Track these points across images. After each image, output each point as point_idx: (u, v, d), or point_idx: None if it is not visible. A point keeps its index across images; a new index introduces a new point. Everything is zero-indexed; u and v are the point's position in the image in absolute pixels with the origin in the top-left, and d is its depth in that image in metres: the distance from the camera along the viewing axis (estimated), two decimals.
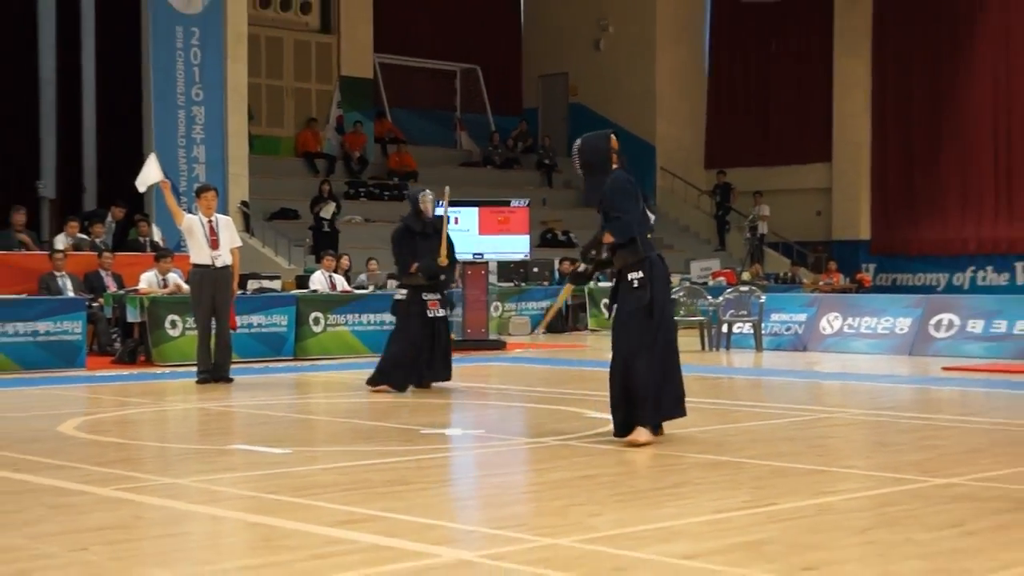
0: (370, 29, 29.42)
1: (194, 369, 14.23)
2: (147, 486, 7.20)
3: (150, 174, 13.73)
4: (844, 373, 15.43)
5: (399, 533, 5.74)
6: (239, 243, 14.85)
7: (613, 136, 9.22)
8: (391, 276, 22.23)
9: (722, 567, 5.00)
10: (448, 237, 13.83)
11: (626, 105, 30.47)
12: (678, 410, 9.03)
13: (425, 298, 13.31)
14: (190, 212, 14.32)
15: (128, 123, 21.84)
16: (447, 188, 15.29)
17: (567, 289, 11.38)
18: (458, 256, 19.23)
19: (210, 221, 14.00)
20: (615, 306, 9.06)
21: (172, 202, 14.23)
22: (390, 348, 13.67)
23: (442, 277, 13.74)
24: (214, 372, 14.18)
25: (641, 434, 8.67)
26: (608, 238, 8.85)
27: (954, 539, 5.60)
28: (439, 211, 14.31)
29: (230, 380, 14.29)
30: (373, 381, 13.33)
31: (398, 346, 13.46)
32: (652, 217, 9.93)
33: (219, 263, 13.94)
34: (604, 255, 9.18)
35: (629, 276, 8.73)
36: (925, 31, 27.35)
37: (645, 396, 8.75)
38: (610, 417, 10.27)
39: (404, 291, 13.65)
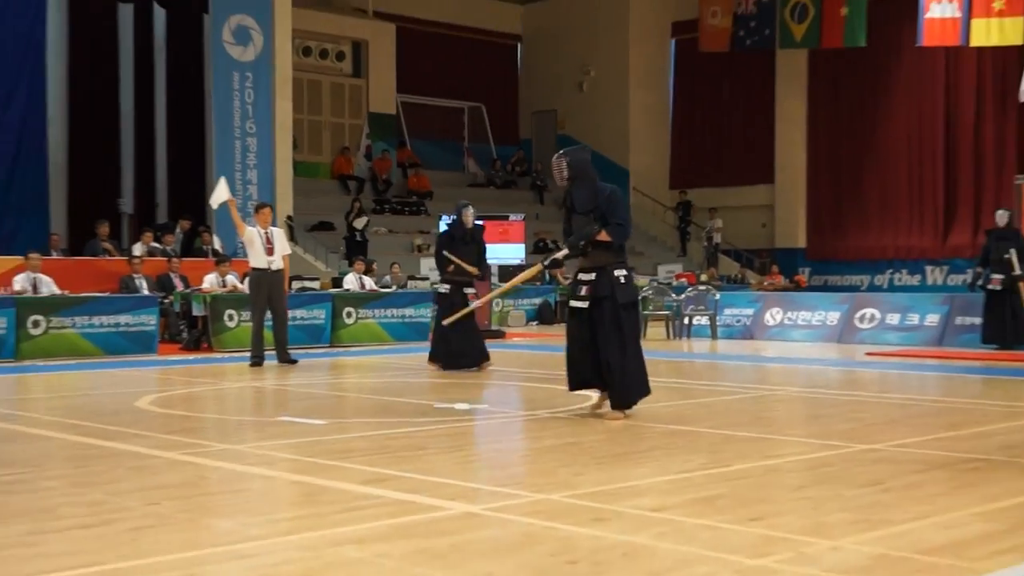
0: (393, 74, 29.44)
1: (248, 354, 14.19)
2: (209, 451, 7.24)
3: (221, 194, 13.80)
4: (784, 357, 15.51)
5: (417, 490, 5.78)
6: (288, 251, 14.84)
7: (586, 150, 9.20)
8: (411, 277, 22.40)
9: (683, 518, 5.07)
10: (481, 244, 13.81)
11: (605, 137, 30.32)
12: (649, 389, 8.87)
13: (465, 291, 13.14)
14: (249, 225, 14.30)
15: (193, 151, 21.81)
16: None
17: (536, 268, 11.21)
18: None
19: (266, 232, 14.00)
20: (586, 295, 8.58)
21: (236, 217, 14.28)
22: (437, 332, 13.75)
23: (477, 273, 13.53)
24: (278, 355, 14.27)
25: (627, 410, 8.64)
26: (604, 237, 8.56)
27: (875, 495, 5.67)
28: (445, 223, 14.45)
29: (295, 361, 14.33)
30: (433, 359, 13.49)
31: (443, 331, 13.33)
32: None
33: (274, 267, 13.97)
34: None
35: (615, 272, 8.51)
36: (850, 77, 27.31)
37: (637, 377, 8.68)
38: (589, 393, 10.37)
39: (447, 286, 13.62)
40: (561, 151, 9.09)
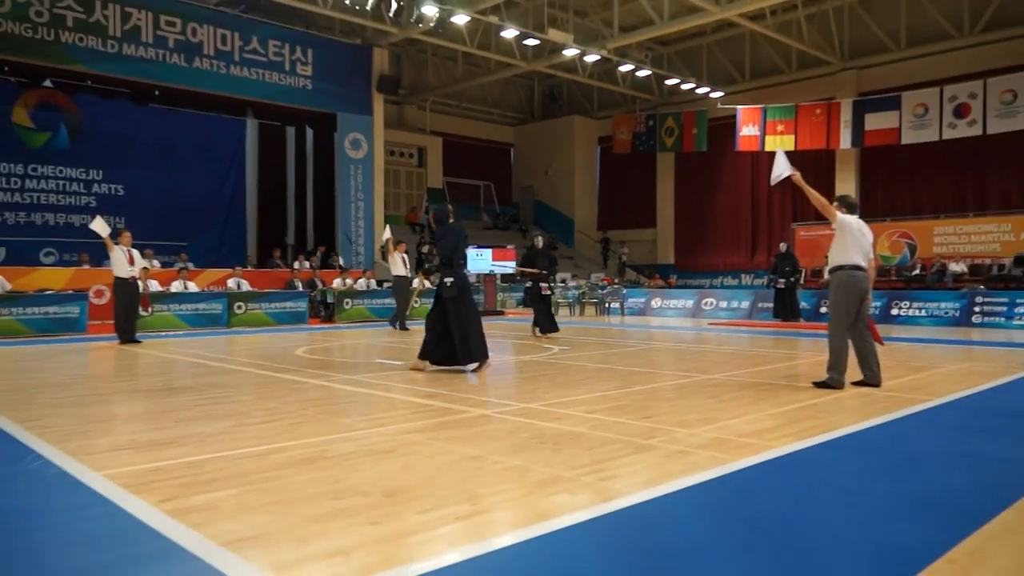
0: (440, 165, 29.31)
1: (358, 324, 14.00)
2: (335, 379, 7.21)
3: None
4: (662, 326, 15.52)
5: (452, 402, 5.80)
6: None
7: (450, 207, 8.37)
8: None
9: (604, 417, 5.11)
10: (548, 256, 12.77)
11: (560, 200, 30.32)
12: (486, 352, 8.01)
13: (540, 284, 12.43)
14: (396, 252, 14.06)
15: (326, 209, 21.76)
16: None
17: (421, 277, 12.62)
18: (481, 271, 19.48)
19: (403, 255, 13.96)
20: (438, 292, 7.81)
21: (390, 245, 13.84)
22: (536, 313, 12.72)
23: (545, 273, 12.55)
24: (398, 323, 14.05)
25: (484, 364, 7.96)
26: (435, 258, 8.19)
27: (713, 403, 5.69)
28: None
29: (407, 329, 13.90)
30: (540, 331, 12.44)
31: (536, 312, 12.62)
32: (468, 251, 9.48)
33: (403, 274, 14.00)
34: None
35: (446, 280, 7.75)
36: (699, 167, 27.27)
37: (478, 342, 7.88)
38: (553, 347, 10.35)
39: (529, 283, 13.24)
40: (433, 207, 8.68)
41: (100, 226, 10.89)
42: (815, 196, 6.48)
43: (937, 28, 21.47)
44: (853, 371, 6.50)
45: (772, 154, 23.80)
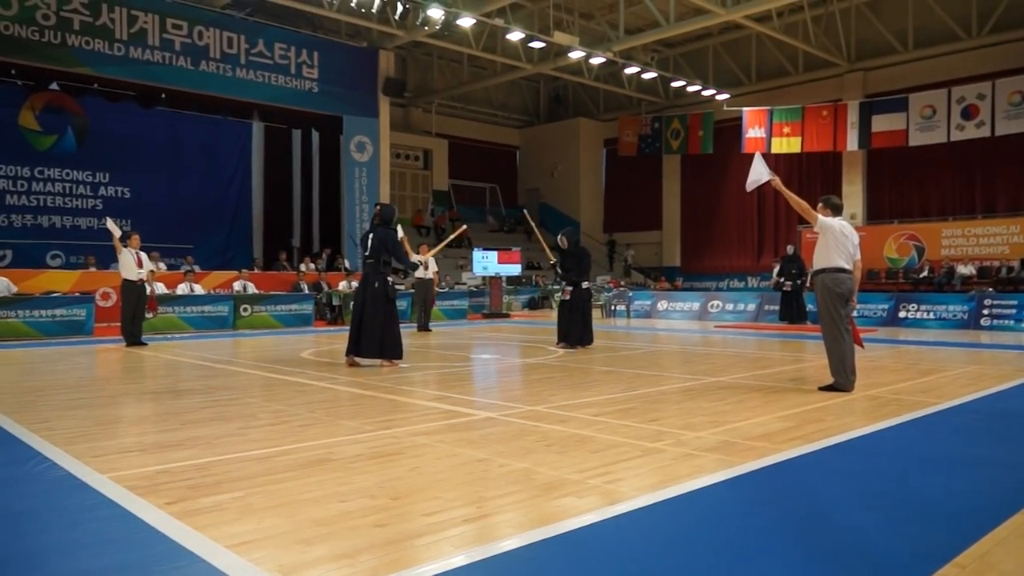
0: (446, 168, 29.37)
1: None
2: (341, 381, 7.21)
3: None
4: (668, 329, 15.51)
5: (459, 404, 5.81)
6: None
7: (395, 208, 8.70)
8: (457, 283, 22.32)
9: (611, 420, 5.11)
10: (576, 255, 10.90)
11: (566, 203, 30.30)
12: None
13: (565, 288, 10.80)
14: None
15: (332, 212, 21.72)
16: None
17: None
18: (491, 274, 19.50)
19: (428, 259, 13.53)
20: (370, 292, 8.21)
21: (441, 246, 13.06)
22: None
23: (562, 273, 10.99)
24: (423, 327, 14.16)
25: (398, 363, 8.39)
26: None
27: (720, 406, 5.68)
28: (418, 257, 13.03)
29: (429, 330, 14.03)
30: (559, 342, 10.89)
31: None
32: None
33: (426, 277, 14.05)
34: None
35: (389, 280, 8.26)
36: (704, 169, 27.22)
37: (399, 343, 8.37)
38: (556, 348, 10.34)
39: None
40: (380, 205, 8.73)
41: (113, 226, 10.99)
42: (795, 200, 6.46)
43: (945, 29, 21.40)
44: (867, 375, 6.47)
45: (778, 156, 23.98)
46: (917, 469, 3.92)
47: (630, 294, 20.56)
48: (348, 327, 8.75)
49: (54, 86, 17.75)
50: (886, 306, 15.69)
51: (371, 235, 8.39)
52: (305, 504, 3.25)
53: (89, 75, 16.88)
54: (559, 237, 10.98)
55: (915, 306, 15.48)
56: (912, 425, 5.03)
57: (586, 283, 10.70)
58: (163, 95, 18.29)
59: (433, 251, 12.69)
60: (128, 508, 3.18)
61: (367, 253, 8.37)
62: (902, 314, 15.44)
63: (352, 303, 8.69)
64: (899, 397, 6.11)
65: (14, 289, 13.39)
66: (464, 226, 15.27)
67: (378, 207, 8.75)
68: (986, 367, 8.37)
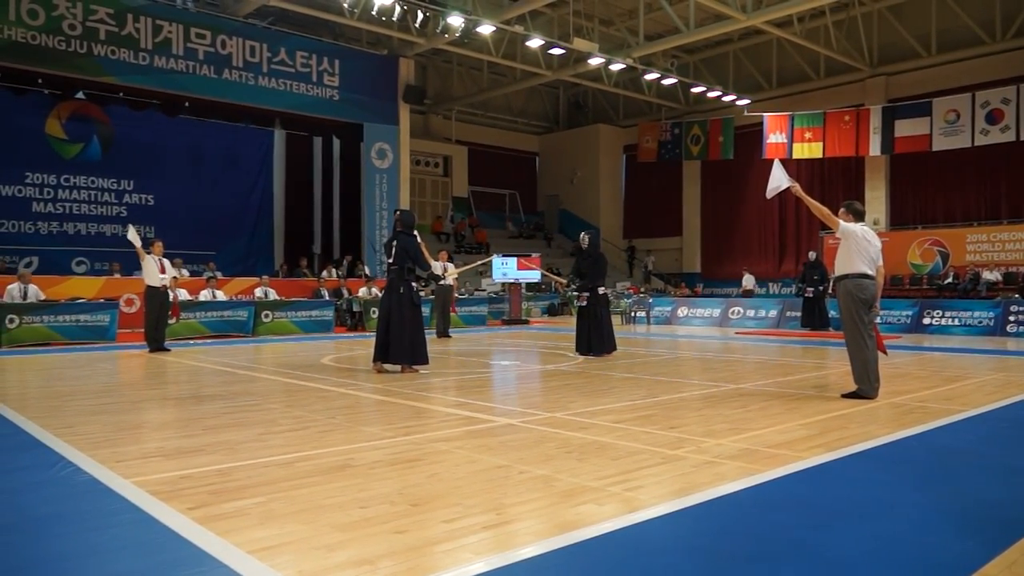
0: (466, 175, 29.46)
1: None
2: (362, 387, 7.24)
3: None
4: (689, 336, 15.43)
5: (478, 411, 5.81)
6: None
7: (415, 214, 8.77)
8: (477, 289, 22.41)
9: (632, 427, 5.09)
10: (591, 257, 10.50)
11: (586, 209, 30.26)
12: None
13: (581, 294, 10.48)
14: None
15: (352, 219, 21.82)
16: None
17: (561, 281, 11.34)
18: (510, 280, 19.49)
19: (446, 266, 13.67)
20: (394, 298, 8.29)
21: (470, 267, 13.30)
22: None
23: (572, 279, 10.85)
24: (442, 333, 14.16)
25: (422, 368, 8.47)
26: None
27: (742, 413, 5.65)
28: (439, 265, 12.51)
29: (450, 336, 14.13)
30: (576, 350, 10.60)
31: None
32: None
33: (447, 283, 13.95)
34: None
35: (413, 286, 8.30)
36: (725, 175, 27.07)
37: (424, 348, 8.46)
38: (576, 355, 10.31)
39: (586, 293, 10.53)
40: (400, 211, 8.74)
41: (133, 236, 11.10)
42: (816, 207, 6.37)
43: (968, 33, 21.17)
44: (891, 382, 6.40)
45: (799, 162, 23.82)
46: (942, 477, 3.86)
47: (650, 300, 20.49)
48: (368, 333, 8.82)
49: (80, 95, 18.02)
50: (910, 312, 15.50)
51: (394, 242, 8.46)
52: (326, 510, 3.25)
53: (114, 84, 17.11)
54: (581, 235, 10.84)
55: (939, 312, 15.29)
56: (938, 432, 4.97)
57: (602, 288, 10.56)
58: (187, 103, 18.51)
59: (458, 271, 12.80)
60: (151, 513, 3.21)
61: (391, 260, 8.43)
62: (926, 321, 15.26)
63: (378, 310, 8.75)
64: (924, 404, 6.04)
65: (42, 296, 13.57)
66: (490, 258, 15.27)
67: (398, 213, 8.77)
68: (1013, 374, 8.23)
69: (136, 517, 3.17)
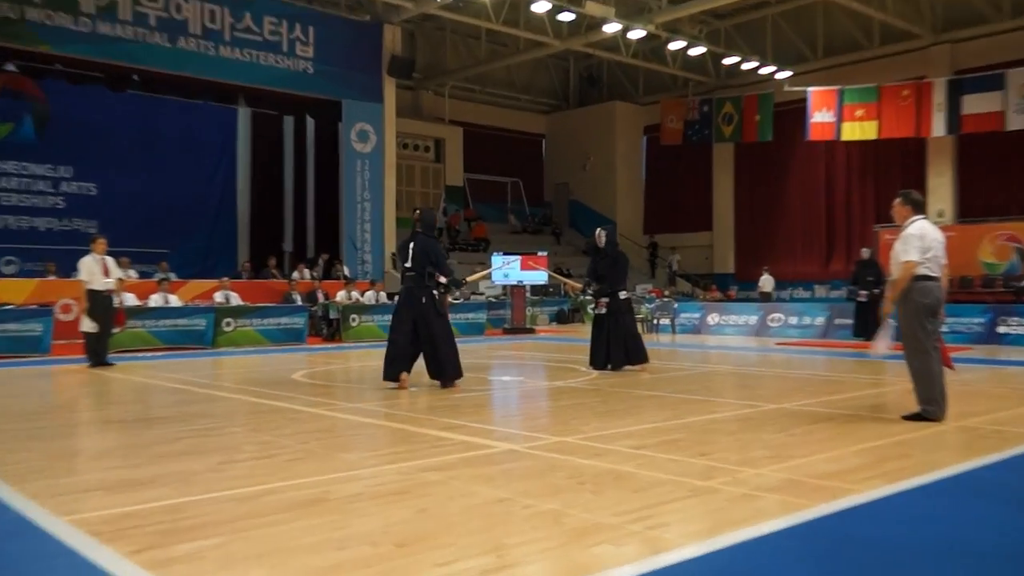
0: (461, 160, 29.59)
1: (366, 344, 14.06)
2: (339, 407, 7.26)
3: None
4: (721, 346, 15.39)
5: (475, 434, 5.83)
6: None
7: (438, 215, 9.13)
8: (473, 292, 22.38)
9: (654, 453, 5.10)
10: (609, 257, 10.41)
11: (600, 200, 30.37)
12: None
13: (599, 300, 10.30)
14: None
15: (329, 212, 21.87)
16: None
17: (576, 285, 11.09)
18: (512, 282, 19.48)
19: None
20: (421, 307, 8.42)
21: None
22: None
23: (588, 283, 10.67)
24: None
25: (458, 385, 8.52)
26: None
27: (784, 438, 5.65)
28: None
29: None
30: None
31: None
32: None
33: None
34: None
35: (435, 293, 8.38)
36: (762, 160, 27.15)
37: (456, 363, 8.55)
38: (588, 369, 10.30)
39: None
40: (420, 209, 9.03)
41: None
42: (900, 283, 6.23)
43: None
44: (961, 401, 6.37)
45: (849, 145, 23.80)
46: (1022, 515, 3.83)
47: (675, 306, 20.47)
48: (348, 345, 8.85)
49: (10, 67, 18.03)
50: (982, 320, 15.47)
51: (411, 243, 8.54)
52: (296, 552, 3.24)
53: (51, 54, 17.14)
54: (597, 231, 10.78)
55: (1017, 320, 15.24)
56: (1017, 462, 4.95)
57: (624, 292, 10.47)
58: (135, 77, 18.53)
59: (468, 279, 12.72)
60: (89, 557, 3.19)
61: (408, 264, 8.51)
62: (1001, 329, 15.22)
63: (392, 319, 8.79)
64: (1000, 428, 6.02)
65: None
66: (489, 270, 15.20)
67: (417, 211, 8.99)
68: None
69: (72, 562, 3.15)
